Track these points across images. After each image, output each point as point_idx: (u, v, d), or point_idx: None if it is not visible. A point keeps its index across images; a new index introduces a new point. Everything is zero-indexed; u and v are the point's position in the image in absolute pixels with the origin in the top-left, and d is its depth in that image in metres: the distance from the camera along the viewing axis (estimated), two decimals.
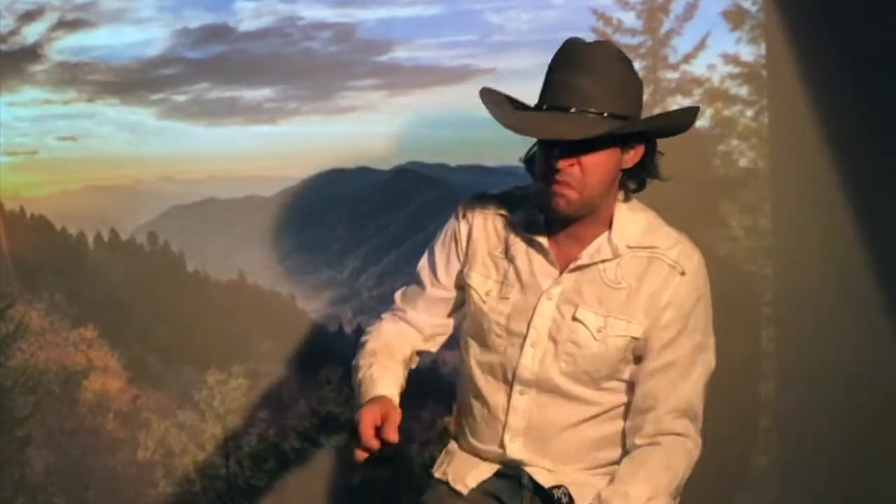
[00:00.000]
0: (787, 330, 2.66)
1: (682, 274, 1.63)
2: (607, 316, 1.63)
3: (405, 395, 1.67)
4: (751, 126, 2.70)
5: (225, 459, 2.83)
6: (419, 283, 1.78)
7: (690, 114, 1.68)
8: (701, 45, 2.70)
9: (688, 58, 2.72)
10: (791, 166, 2.63)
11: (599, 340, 1.63)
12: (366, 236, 2.91)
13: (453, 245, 1.75)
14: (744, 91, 2.71)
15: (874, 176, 2.47)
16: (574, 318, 1.63)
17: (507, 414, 1.68)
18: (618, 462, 1.67)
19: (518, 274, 1.67)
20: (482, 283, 1.70)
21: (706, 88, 2.71)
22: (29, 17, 2.81)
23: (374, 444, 1.50)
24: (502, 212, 1.72)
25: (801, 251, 2.61)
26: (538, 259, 1.66)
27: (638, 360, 1.66)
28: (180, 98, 2.84)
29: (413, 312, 1.77)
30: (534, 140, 1.63)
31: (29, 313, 2.83)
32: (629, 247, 1.64)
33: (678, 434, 1.62)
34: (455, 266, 1.75)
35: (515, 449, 1.69)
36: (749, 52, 2.68)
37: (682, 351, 1.64)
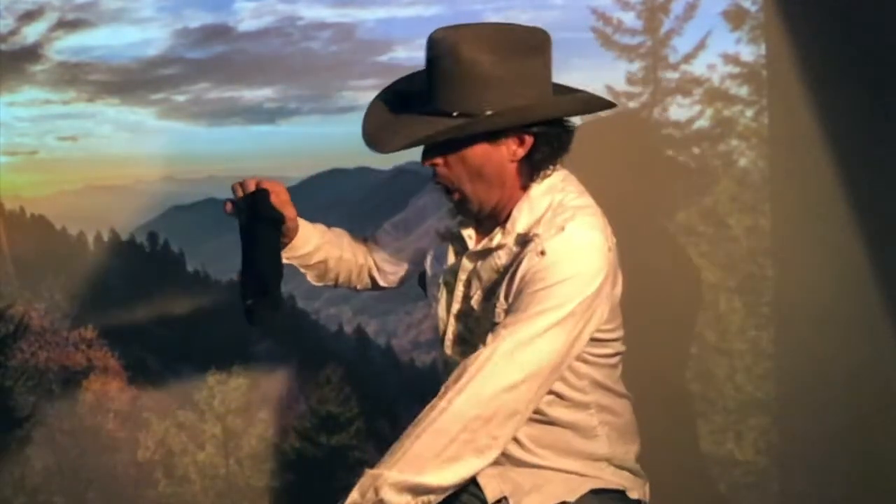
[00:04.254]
0: (787, 330, 2.66)
1: (543, 254, 1.52)
2: (491, 302, 1.61)
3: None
4: (751, 126, 2.70)
5: (225, 459, 2.83)
6: (394, 236, 1.89)
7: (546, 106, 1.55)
8: (701, 45, 2.70)
9: (688, 58, 2.71)
10: (791, 166, 2.63)
11: (480, 327, 1.63)
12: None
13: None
14: (744, 91, 2.71)
15: (874, 176, 2.47)
16: (471, 305, 1.66)
17: None
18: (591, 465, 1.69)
19: (443, 266, 1.72)
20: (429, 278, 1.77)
21: (706, 88, 2.71)
22: (29, 17, 2.81)
23: (239, 191, 1.58)
24: (444, 211, 1.76)
25: (801, 251, 2.61)
26: (459, 252, 1.70)
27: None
28: (180, 98, 2.84)
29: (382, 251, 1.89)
30: None
31: (29, 313, 2.83)
32: (519, 234, 1.58)
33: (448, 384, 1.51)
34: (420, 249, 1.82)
35: None
36: (749, 52, 2.69)
37: (513, 318, 1.52)
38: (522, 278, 1.53)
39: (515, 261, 1.56)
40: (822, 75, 2.52)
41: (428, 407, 1.48)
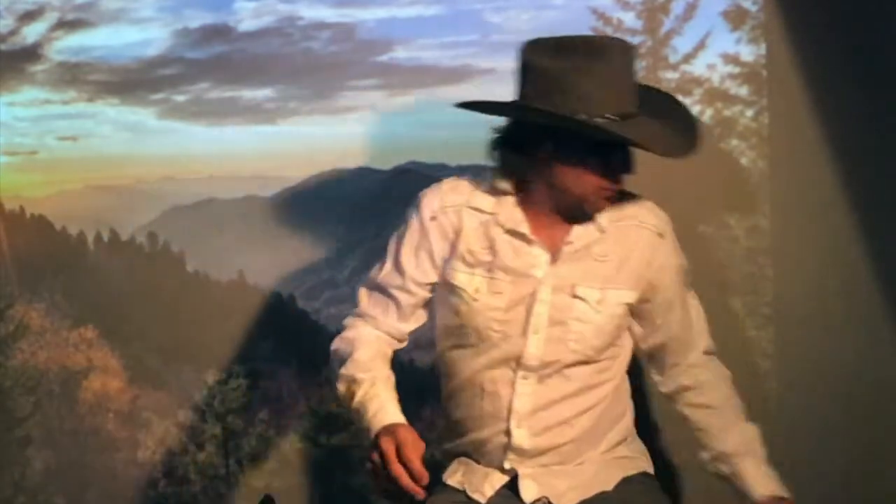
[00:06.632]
0: (787, 330, 2.66)
1: (662, 236, 1.73)
2: (603, 288, 1.68)
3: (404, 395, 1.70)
4: (751, 126, 2.70)
5: (225, 459, 2.83)
6: (387, 293, 1.76)
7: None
8: (701, 45, 2.70)
9: (688, 58, 2.71)
10: (791, 166, 2.63)
11: (601, 312, 1.68)
12: (366, 236, 2.90)
13: (424, 246, 1.73)
14: (744, 91, 2.70)
15: (874, 176, 2.47)
16: (574, 296, 1.68)
17: (511, 399, 1.70)
18: (618, 442, 1.78)
19: (506, 267, 1.68)
20: (468, 280, 1.69)
21: (706, 88, 2.71)
22: (29, 17, 2.81)
23: (406, 480, 1.48)
24: (474, 205, 1.71)
25: (801, 251, 2.60)
26: (524, 248, 1.68)
27: (643, 322, 1.78)
28: (180, 98, 2.84)
29: (385, 319, 1.77)
30: (490, 119, 1.70)
31: (29, 313, 2.83)
32: (611, 220, 1.70)
33: (714, 367, 1.83)
34: (427, 268, 1.73)
35: (521, 436, 1.70)
36: (749, 52, 2.68)
37: (687, 301, 1.79)
38: (650, 263, 1.72)
39: (615, 247, 1.69)
40: (822, 75, 2.51)
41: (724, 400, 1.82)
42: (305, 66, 2.80)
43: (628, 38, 2.70)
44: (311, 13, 2.78)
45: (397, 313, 1.77)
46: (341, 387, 1.72)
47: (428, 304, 1.81)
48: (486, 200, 1.71)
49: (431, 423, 2.69)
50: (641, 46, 2.71)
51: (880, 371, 2.48)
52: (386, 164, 2.86)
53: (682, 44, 2.70)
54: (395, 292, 1.76)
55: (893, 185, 2.43)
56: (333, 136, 2.82)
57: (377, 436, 1.56)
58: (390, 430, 1.55)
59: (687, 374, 1.81)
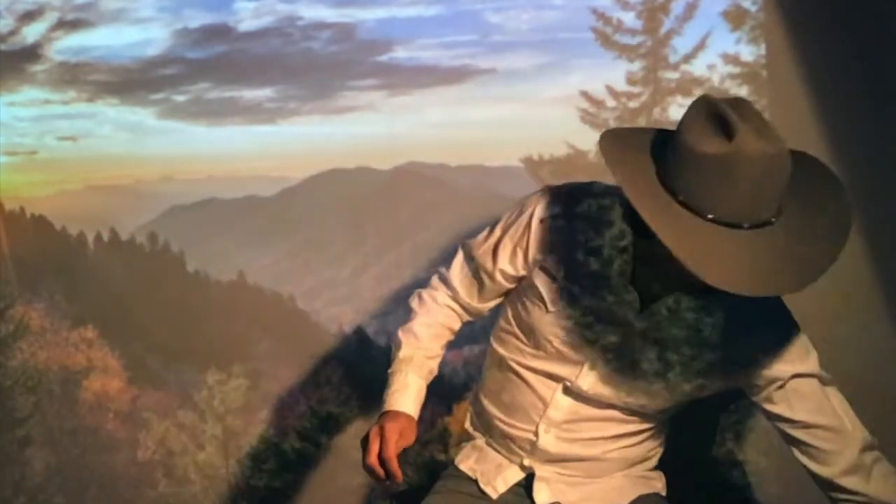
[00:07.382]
0: None
1: (769, 331, 1.61)
2: (682, 361, 1.58)
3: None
4: None
5: (225, 459, 2.83)
6: (475, 272, 1.72)
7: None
8: (701, 45, 2.70)
9: (688, 58, 2.71)
10: None
11: (669, 382, 1.59)
12: (366, 236, 2.91)
13: (522, 243, 1.65)
14: (744, 91, 2.70)
15: (874, 176, 2.47)
16: (649, 356, 1.59)
17: (547, 406, 1.68)
18: (642, 469, 1.76)
19: (592, 297, 1.59)
20: (549, 288, 1.62)
21: (706, 88, 2.71)
22: (29, 17, 2.81)
23: (380, 473, 1.57)
24: (586, 226, 1.58)
25: None
26: (617, 293, 1.56)
27: (772, 415, 1.68)
28: (180, 98, 2.84)
29: (465, 298, 1.75)
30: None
31: (29, 313, 2.83)
32: (720, 300, 1.52)
33: (879, 457, 1.71)
34: (518, 264, 1.66)
35: (548, 440, 1.69)
36: (749, 52, 2.68)
37: (825, 392, 1.67)
38: (750, 355, 1.61)
39: (707, 322, 1.55)
40: (822, 75, 2.51)
41: None
42: (305, 66, 2.80)
43: (628, 38, 2.73)
44: (311, 13, 2.79)
45: (479, 295, 1.75)
46: (392, 345, 1.77)
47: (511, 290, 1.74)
48: (601, 227, 1.57)
49: (431, 423, 2.69)
50: (641, 46, 2.71)
51: (881, 372, 2.48)
52: (386, 165, 2.86)
53: (682, 44, 2.70)
54: (483, 276, 1.71)
55: (893, 185, 2.43)
56: (333, 136, 2.82)
57: (377, 419, 1.64)
58: (386, 419, 1.63)
59: (870, 483, 1.68)
